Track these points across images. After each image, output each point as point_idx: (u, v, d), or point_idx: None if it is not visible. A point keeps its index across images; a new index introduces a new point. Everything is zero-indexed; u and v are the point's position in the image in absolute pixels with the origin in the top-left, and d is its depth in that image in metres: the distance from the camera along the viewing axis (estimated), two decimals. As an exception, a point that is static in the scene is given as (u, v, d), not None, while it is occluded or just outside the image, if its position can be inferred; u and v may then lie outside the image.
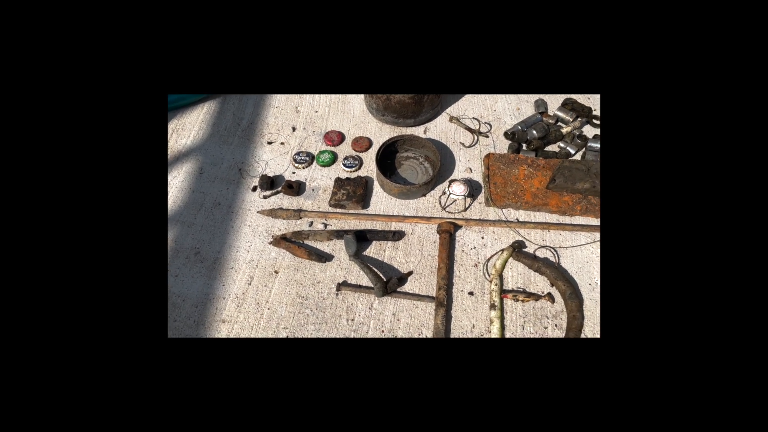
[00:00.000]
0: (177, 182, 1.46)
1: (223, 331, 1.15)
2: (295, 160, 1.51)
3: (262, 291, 1.23)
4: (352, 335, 1.15)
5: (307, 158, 1.51)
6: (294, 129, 1.63)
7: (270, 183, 1.43)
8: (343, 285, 1.23)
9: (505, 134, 1.56)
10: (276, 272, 1.26)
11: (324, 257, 1.28)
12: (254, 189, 1.45)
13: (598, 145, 1.47)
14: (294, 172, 1.50)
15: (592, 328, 1.16)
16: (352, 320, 1.18)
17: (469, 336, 1.15)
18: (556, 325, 1.17)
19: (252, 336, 1.15)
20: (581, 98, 1.70)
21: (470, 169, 1.51)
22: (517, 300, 1.20)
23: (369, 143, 1.58)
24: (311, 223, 1.37)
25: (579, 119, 1.58)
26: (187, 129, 1.61)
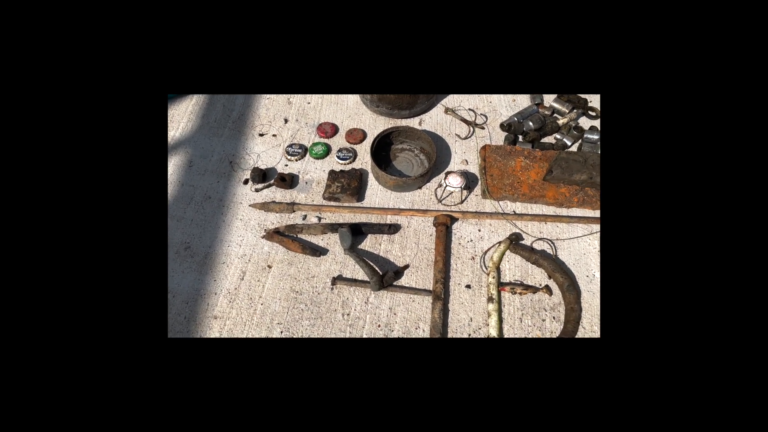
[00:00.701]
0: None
1: (215, 328, 1.12)
2: (287, 153, 1.47)
3: (255, 286, 1.20)
4: (348, 330, 1.13)
5: (299, 150, 1.48)
6: (286, 121, 1.59)
7: (262, 176, 1.40)
8: (338, 279, 1.20)
9: (501, 126, 1.54)
10: (269, 267, 1.23)
11: (318, 251, 1.26)
12: (246, 182, 1.41)
13: (595, 137, 1.45)
14: (287, 165, 1.47)
15: (590, 320, 1.16)
16: (348, 315, 1.15)
17: (467, 330, 1.14)
18: (554, 318, 1.16)
19: (245, 332, 1.12)
20: (577, 90, 1.68)
21: (466, 161, 1.49)
22: (515, 293, 1.19)
23: (363, 135, 1.55)
24: (305, 217, 1.34)
25: (575, 110, 1.57)
26: (175, 121, 1.57)
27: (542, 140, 1.52)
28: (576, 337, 1.12)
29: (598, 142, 1.45)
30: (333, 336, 1.12)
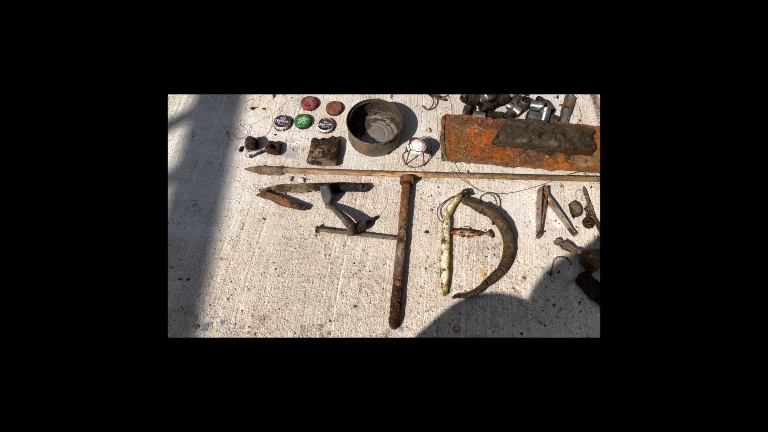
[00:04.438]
0: (173, 144, 1.65)
1: (221, 267, 1.40)
2: (276, 123, 1.71)
3: (253, 234, 1.47)
4: (330, 267, 1.41)
5: (286, 121, 1.71)
6: (274, 95, 1.81)
7: (255, 144, 1.64)
8: (321, 228, 1.47)
9: (461, 98, 1.78)
10: (264, 219, 1.50)
11: (304, 206, 1.52)
12: (241, 149, 1.65)
13: (539, 106, 1.70)
14: (275, 134, 1.71)
15: (523, 257, 1.44)
16: (329, 255, 1.43)
17: (424, 264, 1.42)
18: (494, 255, 1.45)
19: (246, 270, 1.39)
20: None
21: (430, 129, 1.73)
22: (464, 236, 1.47)
23: (342, 107, 1.78)
24: (292, 178, 1.59)
25: (525, 83, 1.80)
26: (177, 97, 1.79)
27: (495, 110, 1.76)
28: (509, 270, 1.41)
29: (542, 110, 1.70)
30: (317, 272, 1.40)
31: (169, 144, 1.65)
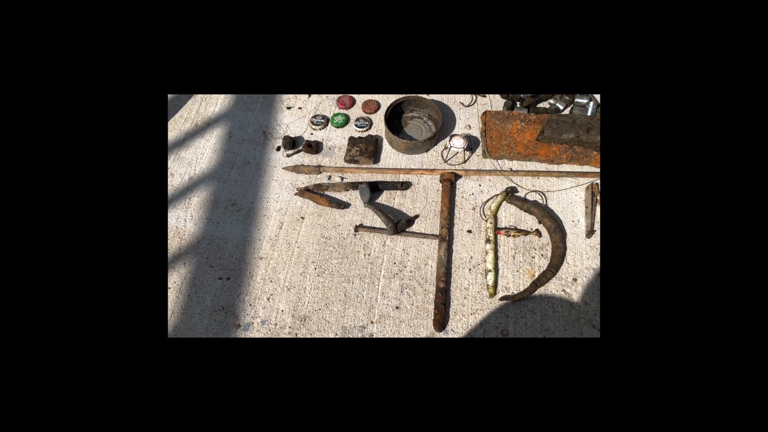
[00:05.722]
0: (210, 144, 1.65)
1: (261, 266, 1.38)
2: (312, 123, 1.69)
3: (292, 233, 1.45)
4: (369, 267, 1.37)
5: (323, 121, 1.69)
6: (309, 95, 1.80)
7: (292, 143, 1.62)
8: (360, 227, 1.44)
9: (501, 93, 1.72)
10: (302, 218, 1.48)
11: (342, 205, 1.49)
12: (278, 149, 1.64)
13: (584, 100, 1.62)
14: (312, 133, 1.69)
15: (573, 257, 1.37)
16: (369, 255, 1.40)
17: (468, 265, 1.37)
18: (542, 255, 1.38)
19: (286, 269, 1.37)
20: (572, 58, 1.84)
21: (469, 126, 1.68)
22: (509, 235, 1.40)
23: (378, 105, 1.75)
24: (330, 177, 1.57)
25: (568, 77, 1.73)
26: (213, 97, 1.79)
27: (537, 105, 1.70)
28: (558, 272, 1.34)
29: (587, 105, 1.62)
30: (357, 272, 1.36)
31: (207, 144, 1.66)
